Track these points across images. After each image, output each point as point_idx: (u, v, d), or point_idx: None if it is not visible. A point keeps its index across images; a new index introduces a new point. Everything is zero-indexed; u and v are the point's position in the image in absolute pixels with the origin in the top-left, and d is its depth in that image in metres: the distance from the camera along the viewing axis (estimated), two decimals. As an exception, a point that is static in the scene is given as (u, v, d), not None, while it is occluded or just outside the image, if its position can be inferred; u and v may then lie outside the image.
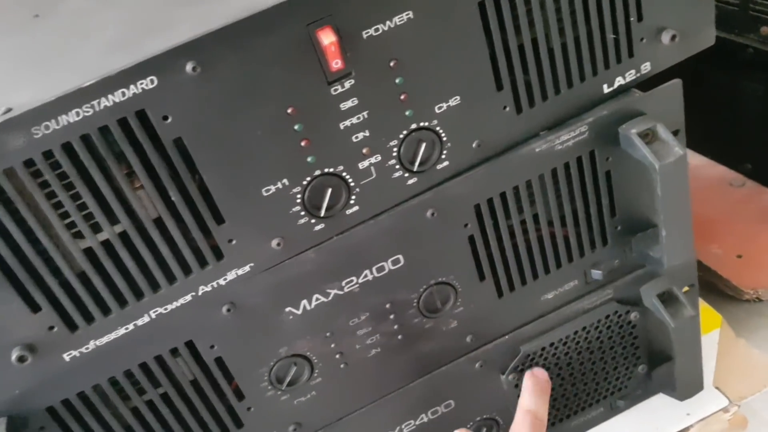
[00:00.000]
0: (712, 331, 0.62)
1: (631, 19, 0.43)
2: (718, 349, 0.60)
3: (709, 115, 0.75)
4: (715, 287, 0.67)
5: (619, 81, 0.45)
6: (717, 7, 0.67)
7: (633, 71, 0.45)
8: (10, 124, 0.32)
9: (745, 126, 0.73)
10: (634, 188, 0.47)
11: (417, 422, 0.51)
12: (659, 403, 0.57)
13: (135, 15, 0.41)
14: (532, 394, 0.48)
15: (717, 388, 0.58)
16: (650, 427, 0.57)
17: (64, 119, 0.33)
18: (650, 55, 0.45)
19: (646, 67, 0.45)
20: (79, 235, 0.36)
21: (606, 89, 0.45)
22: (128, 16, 0.41)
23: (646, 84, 0.46)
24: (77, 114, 0.33)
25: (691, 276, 0.52)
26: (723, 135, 0.76)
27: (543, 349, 0.51)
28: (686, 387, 0.55)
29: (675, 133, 0.46)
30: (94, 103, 0.33)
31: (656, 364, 0.55)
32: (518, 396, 0.52)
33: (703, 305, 0.62)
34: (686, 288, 0.53)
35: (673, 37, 0.44)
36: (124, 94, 0.34)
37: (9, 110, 0.33)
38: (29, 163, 0.33)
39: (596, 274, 0.50)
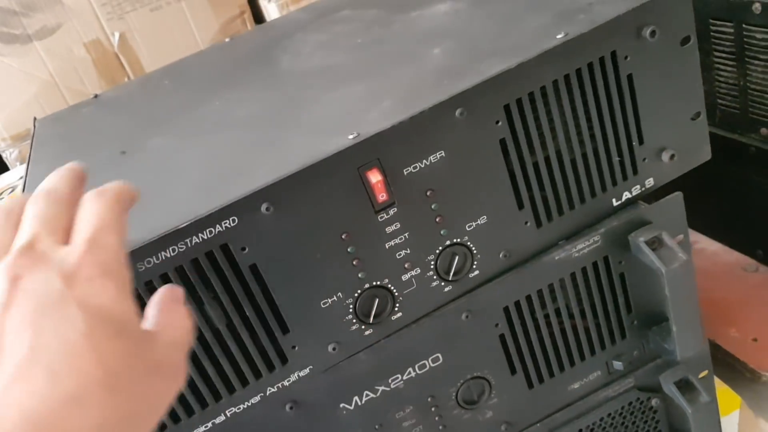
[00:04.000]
0: (733, 413, 0.66)
1: (633, 143, 0.50)
2: (739, 429, 0.64)
3: (723, 206, 0.81)
4: (734, 369, 0.71)
5: (626, 195, 0.51)
6: (720, 110, 0.74)
7: (638, 186, 0.51)
8: (120, 260, 0.40)
9: (755, 215, 0.78)
10: (646, 287, 0.52)
11: (459, 506, 0.56)
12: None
13: (213, 157, 0.49)
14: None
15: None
16: (678, 507, 0.60)
17: (162, 255, 0.40)
18: (653, 171, 0.51)
19: (649, 182, 0.52)
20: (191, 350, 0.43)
21: (615, 203, 0.51)
22: (207, 157, 0.49)
23: (652, 195, 0.52)
24: (173, 250, 0.40)
25: (706, 363, 0.57)
26: (736, 223, 0.81)
27: (572, 435, 0.56)
28: (709, 468, 0.59)
29: (679, 238, 0.52)
30: (188, 240, 0.40)
31: (680, 446, 0.60)
32: (551, 479, 0.57)
33: (723, 387, 0.67)
34: (703, 373, 0.58)
35: (672, 156, 0.51)
36: (211, 232, 0.41)
37: (119, 248, 0.40)
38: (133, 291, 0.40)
39: (617, 364, 0.55)
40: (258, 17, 1.11)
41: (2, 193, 0.84)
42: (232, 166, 0.46)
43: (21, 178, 0.88)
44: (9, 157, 1.04)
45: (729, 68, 0.70)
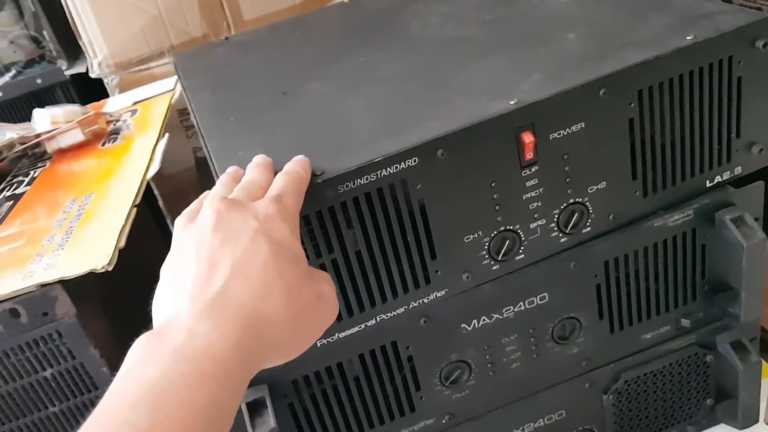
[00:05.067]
0: (765, 379, 0.76)
1: (732, 135, 0.59)
2: (770, 393, 0.74)
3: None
4: (765, 342, 0.81)
5: (718, 179, 0.60)
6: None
7: (728, 172, 0.60)
8: (325, 183, 0.48)
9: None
10: (722, 259, 0.62)
11: (535, 425, 0.66)
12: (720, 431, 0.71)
13: (380, 106, 0.57)
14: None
15: (766, 423, 0.72)
16: (712, 451, 0.71)
17: (357, 182, 0.49)
18: (742, 161, 0.60)
19: (738, 170, 0.60)
20: (362, 261, 0.52)
21: (708, 184, 0.60)
22: (374, 105, 0.57)
23: (738, 182, 0.61)
24: (366, 179, 0.49)
25: (756, 330, 0.67)
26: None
27: (638, 377, 0.65)
28: (746, 419, 0.69)
29: (756, 220, 0.61)
30: (378, 172, 0.49)
31: (721, 398, 0.69)
32: (614, 413, 0.66)
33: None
34: (751, 339, 0.67)
35: (761, 150, 0.60)
36: (396, 167, 0.49)
37: (322, 173, 0.49)
38: (330, 209, 0.49)
39: (685, 322, 0.65)
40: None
41: (123, 114, 0.92)
42: (404, 115, 0.55)
43: (135, 103, 0.96)
44: (110, 83, 1.11)
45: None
